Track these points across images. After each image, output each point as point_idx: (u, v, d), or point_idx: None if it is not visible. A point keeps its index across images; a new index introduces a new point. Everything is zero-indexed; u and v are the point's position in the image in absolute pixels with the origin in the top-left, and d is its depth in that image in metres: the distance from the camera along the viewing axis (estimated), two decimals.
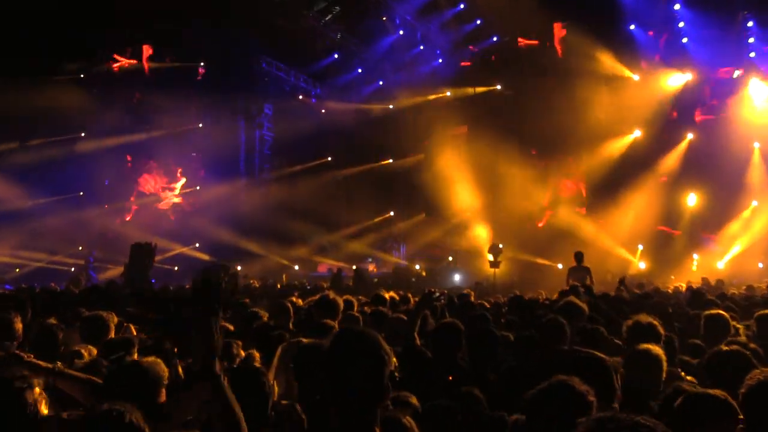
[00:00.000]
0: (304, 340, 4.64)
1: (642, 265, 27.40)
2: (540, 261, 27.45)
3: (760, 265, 26.16)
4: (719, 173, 26.64)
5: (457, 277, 26.09)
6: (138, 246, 12.15)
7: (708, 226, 27.85)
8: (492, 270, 21.86)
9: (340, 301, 6.62)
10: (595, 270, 15.86)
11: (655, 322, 5.42)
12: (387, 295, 9.49)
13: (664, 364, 4.50)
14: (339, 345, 2.76)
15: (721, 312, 6.58)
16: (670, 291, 16.26)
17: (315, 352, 3.95)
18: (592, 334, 6.12)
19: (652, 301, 9.90)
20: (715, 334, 6.14)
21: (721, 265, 26.48)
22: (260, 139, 32.05)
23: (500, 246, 23.39)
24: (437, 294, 6.61)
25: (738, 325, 7.05)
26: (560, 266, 24.79)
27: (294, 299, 8.80)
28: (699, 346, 6.34)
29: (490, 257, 21.99)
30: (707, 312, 6.63)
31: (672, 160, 28.55)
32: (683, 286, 17.66)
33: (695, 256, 27.08)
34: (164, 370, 3.64)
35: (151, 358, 3.69)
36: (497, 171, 28.33)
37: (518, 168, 27.59)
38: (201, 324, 2.68)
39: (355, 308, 7.92)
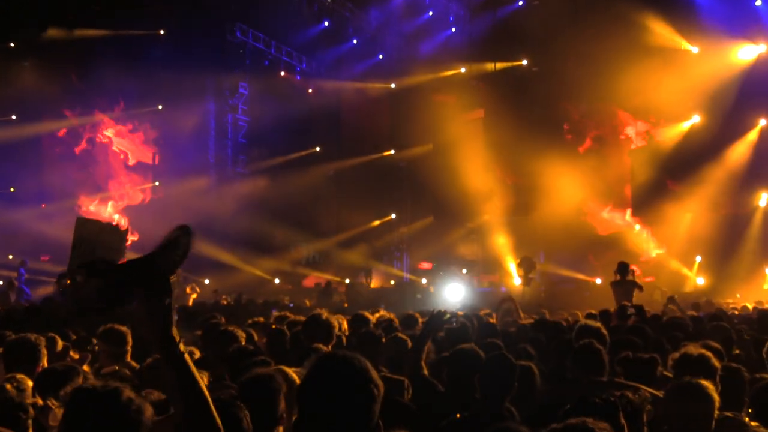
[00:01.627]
0: (288, 369, 4.64)
1: (700, 281, 27.45)
2: (574, 275, 27.51)
3: None
4: None
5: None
6: (85, 222, 11.95)
7: None
8: (521, 287, 21.99)
9: (335, 322, 6.78)
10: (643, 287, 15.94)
11: (708, 354, 5.44)
12: (373, 317, 9.49)
13: (715, 403, 4.51)
14: (318, 374, 2.74)
15: None
16: (735, 312, 16.30)
17: None
18: (638, 365, 6.15)
19: (711, 325, 9.92)
20: None
21: None
22: (233, 124, 32.12)
23: (533, 260, 23.51)
24: (448, 315, 6.69)
25: None
26: (599, 281, 24.84)
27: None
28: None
29: (520, 273, 22.12)
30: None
31: (740, 151, 28.57)
32: (750, 307, 17.69)
33: (767, 270, 27.14)
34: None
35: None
36: (521, 165, 28.37)
37: (547, 162, 27.63)
38: (153, 305, 2.60)
39: (342, 328, 8.01)
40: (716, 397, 4.54)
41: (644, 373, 5.95)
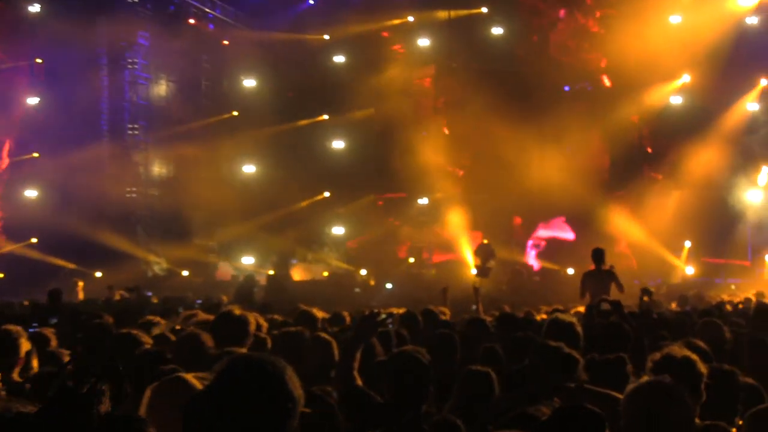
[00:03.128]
0: (188, 376, 4.57)
1: (689, 270, 27.96)
2: (543, 264, 27.79)
3: None
4: None
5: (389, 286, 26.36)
6: None
7: None
8: (478, 279, 22.16)
9: (252, 320, 6.76)
10: (623, 278, 16.10)
11: (694, 357, 5.49)
12: (320, 314, 9.52)
13: (689, 406, 4.54)
14: (220, 381, 2.77)
15: None
16: (729, 308, 16.58)
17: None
18: (604, 367, 6.23)
19: (701, 321, 10.06)
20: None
21: None
22: (131, 84, 31.60)
23: (492, 248, 23.66)
24: (383, 316, 6.68)
25: None
26: (571, 271, 25.11)
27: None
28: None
29: (476, 262, 22.27)
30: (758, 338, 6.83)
31: (736, 116, 29.15)
32: (753, 299, 18.10)
33: None
34: None
35: None
36: (482, 133, 28.46)
37: (514, 130, 27.79)
38: None
39: (264, 329, 7.99)
40: (690, 399, 4.57)
41: (612, 377, 5.99)
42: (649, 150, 30.24)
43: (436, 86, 31.29)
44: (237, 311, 6.77)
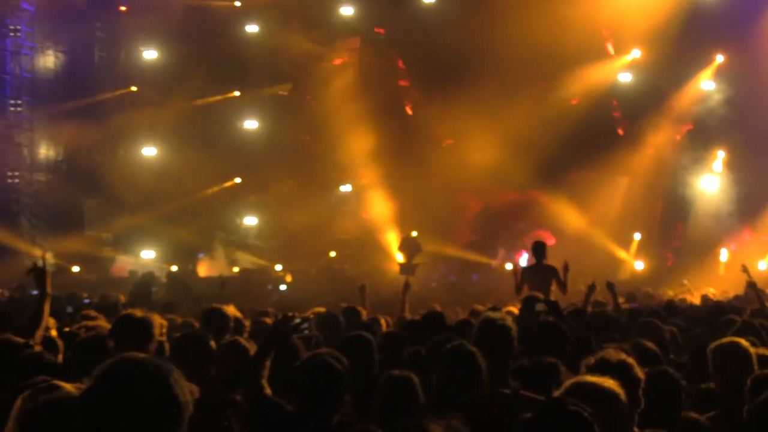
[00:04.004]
0: (65, 384, 4.47)
1: (639, 265, 28.37)
2: (476, 258, 27.97)
3: None
4: (763, 113, 27.96)
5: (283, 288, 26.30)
6: None
7: (746, 207, 29.15)
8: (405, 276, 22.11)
9: (157, 323, 6.88)
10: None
11: (630, 361, 5.56)
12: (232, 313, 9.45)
13: (622, 408, 4.60)
14: (100, 386, 2.77)
15: (737, 341, 6.87)
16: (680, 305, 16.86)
17: None
18: (535, 374, 6.27)
19: (639, 321, 10.22)
20: (727, 377, 6.40)
21: (762, 265, 27.75)
22: (14, 54, 31.10)
23: (419, 241, 23.70)
24: (298, 320, 6.69)
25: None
26: (509, 266, 25.30)
27: None
28: (710, 393, 6.61)
29: (402, 257, 22.28)
30: (717, 343, 6.92)
31: (690, 97, 29.65)
32: (713, 294, 18.45)
33: (724, 252, 28.27)
34: None
35: None
36: (413, 112, 28.53)
37: (449, 109, 27.91)
38: None
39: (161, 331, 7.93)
40: (627, 405, 4.62)
41: (545, 384, 6.04)
42: (625, 130, 30.59)
43: (360, 59, 31.23)
44: (139, 313, 6.84)
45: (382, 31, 30.64)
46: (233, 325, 9.15)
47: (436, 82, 28.34)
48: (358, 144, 29.01)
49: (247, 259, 30.58)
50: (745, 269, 13.89)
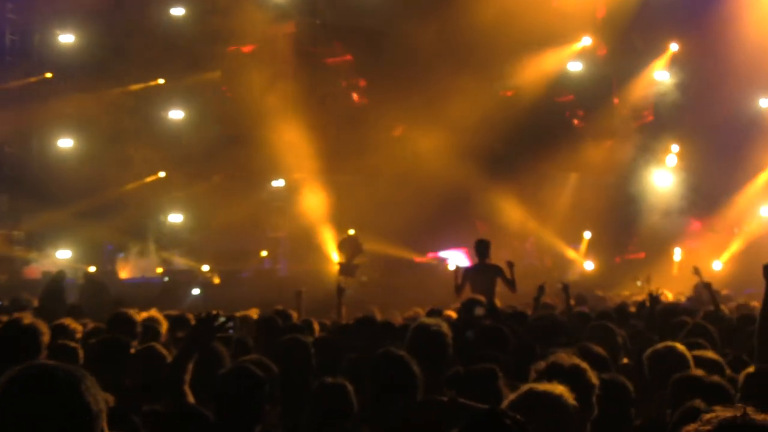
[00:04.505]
0: None
1: (589, 265, 28.59)
2: (418, 258, 28.02)
3: None
4: (723, 113, 28.33)
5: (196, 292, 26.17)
6: None
7: (700, 203, 29.52)
8: (342, 277, 22.19)
9: (46, 330, 6.67)
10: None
11: (584, 366, 5.60)
12: (139, 316, 9.38)
13: (572, 417, 4.63)
14: (8, 394, 2.78)
15: (674, 346, 7.11)
16: (632, 309, 16.99)
17: None
18: (471, 381, 6.34)
19: (592, 325, 10.31)
20: (664, 383, 6.52)
21: (718, 265, 28.13)
22: None
23: (359, 241, 23.65)
24: (223, 319, 6.62)
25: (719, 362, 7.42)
26: (452, 266, 25.37)
27: None
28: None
29: (341, 258, 22.22)
30: (653, 348, 7.16)
31: (643, 88, 29.93)
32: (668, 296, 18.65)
33: (677, 251, 28.60)
34: None
35: None
36: (349, 103, 28.49)
37: (385, 100, 27.91)
38: None
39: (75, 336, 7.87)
40: (579, 412, 4.65)
41: (483, 392, 6.07)
42: (576, 122, 30.78)
43: (296, 46, 31.10)
44: (27, 320, 6.67)
45: (319, 16, 30.52)
46: (141, 330, 9.10)
47: (378, 70, 28.31)
48: (292, 136, 28.90)
49: (172, 260, 30.36)
50: (697, 271, 14.07)
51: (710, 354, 7.34)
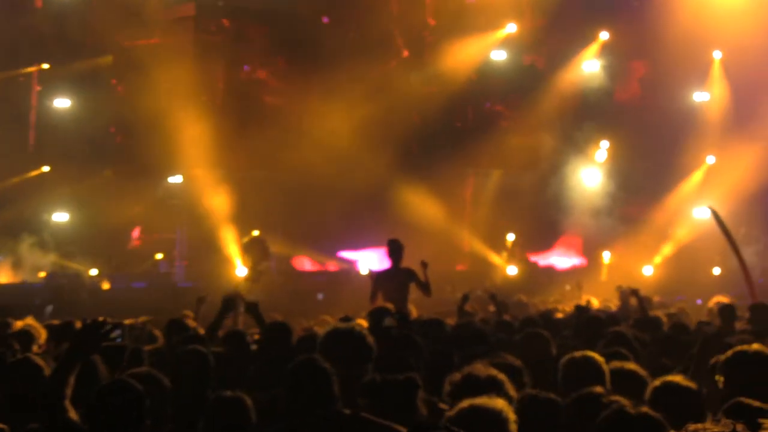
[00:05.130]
0: None
1: (512, 270, 28.74)
2: (327, 262, 27.98)
3: (716, 271, 28.45)
4: (656, 107, 28.70)
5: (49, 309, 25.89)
6: None
7: (631, 204, 29.86)
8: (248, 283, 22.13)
9: None
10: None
11: (501, 377, 5.64)
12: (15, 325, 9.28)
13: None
14: None
15: (589, 355, 7.26)
16: (559, 315, 17.15)
17: None
18: (387, 392, 6.35)
19: (523, 334, 10.38)
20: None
21: (648, 270, 28.48)
22: None
23: (266, 243, 23.55)
24: (109, 326, 6.53)
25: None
26: (364, 270, 25.38)
27: None
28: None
29: (246, 262, 22.12)
30: (569, 356, 7.32)
31: (571, 79, 30.19)
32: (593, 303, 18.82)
33: (606, 255, 28.89)
34: None
35: None
36: (254, 92, 28.37)
37: (294, 89, 27.88)
38: None
39: None
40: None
41: (399, 404, 6.08)
42: (499, 115, 30.87)
43: (196, 30, 30.87)
44: None
45: None
46: (16, 339, 8.98)
47: (287, 57, 28.20)
48: (191, 128, 28.64)
49: (56, 262, 29.92)
50: (622, 290, 14.27)
51: (631, 366, 7.44)
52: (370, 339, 7.29)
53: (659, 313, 14.68)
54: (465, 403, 5.14)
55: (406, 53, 30.23)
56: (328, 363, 6.34)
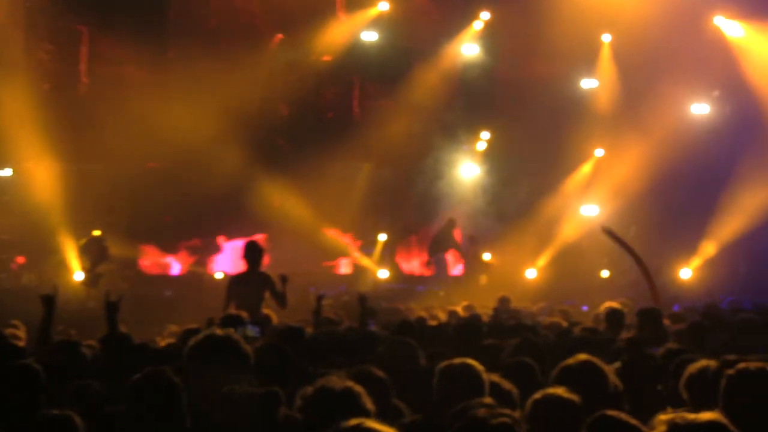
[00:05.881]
0: None
1: (383, 274, 28.78)
2: (182, 265, 27.77)
3: (605, 273, 28.90)
4: (541, 95, 29.30)
5: None
6: None
7: (514, 200, 30.16)
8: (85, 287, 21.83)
9: None
10: (292, 285, 16.34)
11: (358, 389, 5.68)
12: None
13: None
14: None
15: (469, 363, 7.42)
16: (432, 322, 17.24)
17: None
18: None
19: (388, 341, 10.44)
20: (452, 402, 6.72)
21: (532, 273, 28.78)
22: None
23: (105, 244, 23.29)
24: None
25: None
26: (219, 275, 25.26)
27: None
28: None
29: (83, 264, 21.88)
30: (446, 363, 7.50)
31: (448, 64, 30.35)
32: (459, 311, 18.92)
33: (486, 256, 29.12)
34: None
35: None
36: (96, 77, 28.08)
37: (144, 72, 27.65)
38: None
39: None
40: None
41: (257, 419, 6.11)
42: (370, 103, 30.83)
43: (30, 6, 30.37)
44: None
45: None
46: None
47: (133, 38, 27.81)
48: (21, 116, 28.10)
49: None
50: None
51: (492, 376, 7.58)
52: (247, 346, 7.29)
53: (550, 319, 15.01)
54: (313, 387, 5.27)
55: (266, 36, 30.05)
56: (203, 371, 6.33)
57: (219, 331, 7.34)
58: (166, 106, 27.32)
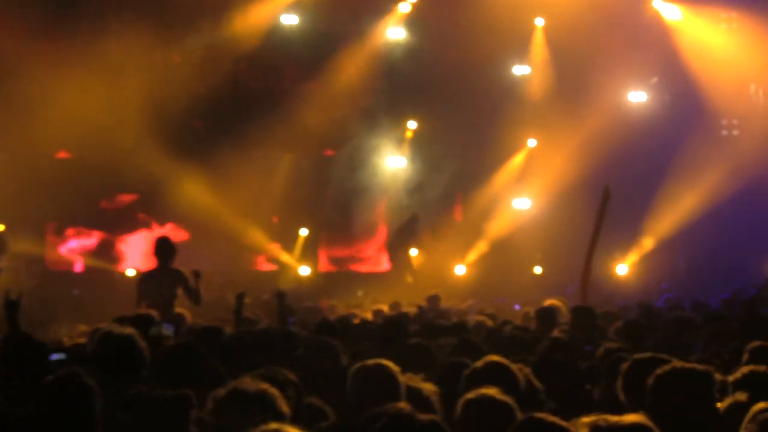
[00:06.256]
0: None
1: (304, 271, 28.77)
2: (91, 262, 27.66)
3: (538, 270, 29.09)
4: (471, 82, 29.48)
5: None
6: None
7: (441, 193, 30.27)
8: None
9: None
10: (209, 282, 16.33)
11: (273, 392, 5.71)
12: None
13: None
14: None
15: (383, 364, 7.53)
16: (356, 321, 17.31)
17: None
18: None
19: (308, 341, 10.47)
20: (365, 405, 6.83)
21: (461, 270, 28.89)
22: None
23: (5, 237, 23.12)
24: None
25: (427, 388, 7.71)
26: (132, 272, 25.13)
27: None
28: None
29: None
30: (360, 363, 7.65)
31: (373, 49, 30.39)
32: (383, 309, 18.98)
33: (413, 252, 29.19)
34: None
35: None
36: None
37: (37, 50, 27.33)
38: None
39: None
40: None
41: (166, 424, 6.11)
42: (290, 88, 30.76)
43: None
44: None
45: None
46: None
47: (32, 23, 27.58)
48: None
49: None
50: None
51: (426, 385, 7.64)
52: (142, 344, 7.27)
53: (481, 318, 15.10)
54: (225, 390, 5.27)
55: (183, 18, 29.86)
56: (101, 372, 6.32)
57: (117, 330, 7.33)
58: (71, 91, 27.08)
